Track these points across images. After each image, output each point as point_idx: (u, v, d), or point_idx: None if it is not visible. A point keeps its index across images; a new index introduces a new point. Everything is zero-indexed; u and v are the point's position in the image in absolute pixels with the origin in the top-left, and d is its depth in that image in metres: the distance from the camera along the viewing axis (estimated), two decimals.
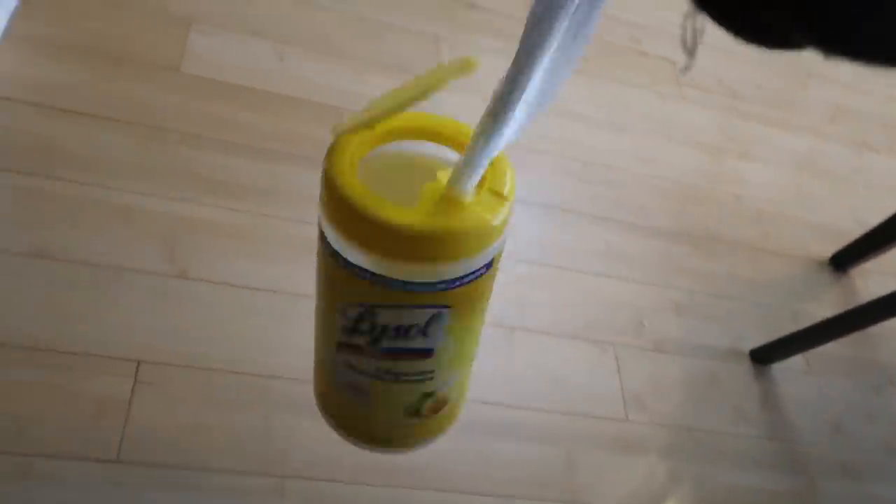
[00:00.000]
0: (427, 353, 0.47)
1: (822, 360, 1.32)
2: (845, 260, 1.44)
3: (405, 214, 0.41)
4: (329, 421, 0.57)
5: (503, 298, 1.18)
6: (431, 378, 0.49)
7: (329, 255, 0.45)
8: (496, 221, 0.42)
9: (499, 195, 0.43)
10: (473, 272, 0.44)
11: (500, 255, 0.46)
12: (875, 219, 1.39)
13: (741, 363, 1.27)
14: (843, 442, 1.25)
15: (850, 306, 1.39)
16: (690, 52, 0.36)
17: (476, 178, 0.42)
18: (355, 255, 0.43)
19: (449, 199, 0.41)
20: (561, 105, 1.44)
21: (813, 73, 1.75)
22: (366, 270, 0.43)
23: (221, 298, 1.02)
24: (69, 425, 0.86)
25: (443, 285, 0.43)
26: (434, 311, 0.44)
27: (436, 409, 0.53)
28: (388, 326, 0.45)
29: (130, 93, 1.14)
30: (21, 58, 1.11)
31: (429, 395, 0.51)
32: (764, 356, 1.27)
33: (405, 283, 0.42)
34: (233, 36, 1.26)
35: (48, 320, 0.93)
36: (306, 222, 1.12)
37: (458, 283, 0.43)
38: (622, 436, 1.12)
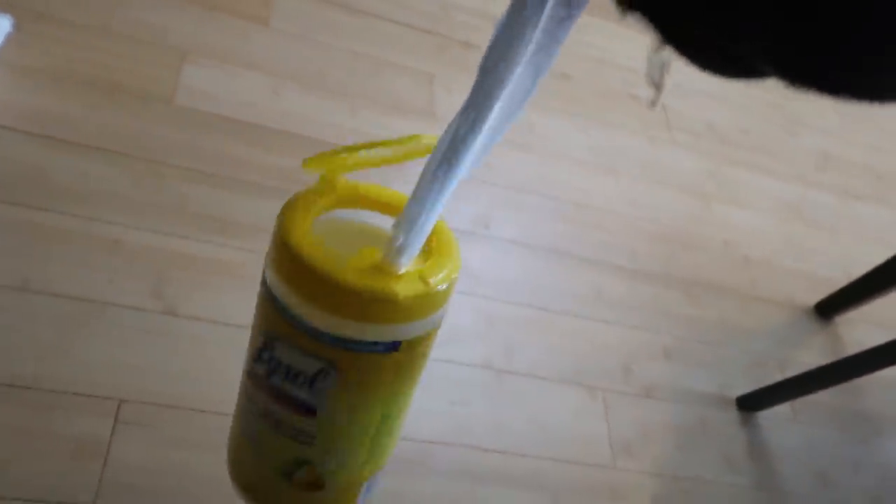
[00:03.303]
0: (309, 410, 0.48)
1: (808, 408, 1.31)
2: (830, 308, 1.45)
3: (324, 260, 0.43)
4: (228, 466, 0.61)
5: (490, 340, 1.17)
6: (309, 445, 0.50)
7: (262, 283, 0.48)
8: (404, 303, 0.42)
9: (425, 283, 0.43)
10: (368, 343, 0.44)
11: (412, 344, 0.46)
12: (859, 267, 1.41)
13: (728, 410, 1.27)
14: (830, 493, 1.24)
15: (835, 355, 1.40)
16: (658, 86, 0.36)
17: (419, 238, 0.43)
18: (271, 277, 0.46)
19: (378, 266, 0.43)
20: (553, 147, 1.44)
21: (800, 121, 1.78)
22: (274, 297, 0.46)
23: (208, 336, 1.00)
24: (46, 467, 0.84)
25: (332, 340, 0.44)
26: (321, 365, 0.45)
27: (308, 485, 0.53)
28: (282, 363, 0.47)
29: (122, 124, 1.13)
30: (12, 85, 1.09)
31: (303, 462, 0.51)
32: (751, 403, 1.27)
33: (300, 321, 0.44)
34: (227, 69, 1.26)
35: (28, 356, 0.90)
36: None
37: (349, 345, 0.44)
38: (610, 483, 1.11)
